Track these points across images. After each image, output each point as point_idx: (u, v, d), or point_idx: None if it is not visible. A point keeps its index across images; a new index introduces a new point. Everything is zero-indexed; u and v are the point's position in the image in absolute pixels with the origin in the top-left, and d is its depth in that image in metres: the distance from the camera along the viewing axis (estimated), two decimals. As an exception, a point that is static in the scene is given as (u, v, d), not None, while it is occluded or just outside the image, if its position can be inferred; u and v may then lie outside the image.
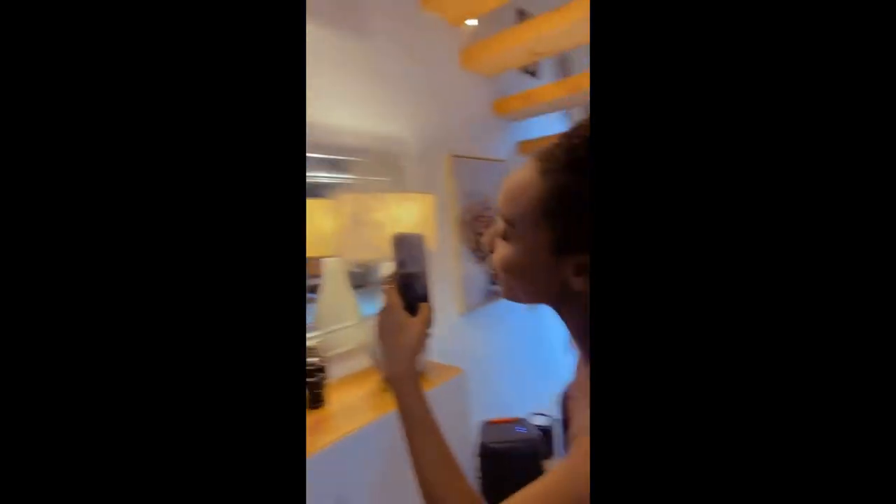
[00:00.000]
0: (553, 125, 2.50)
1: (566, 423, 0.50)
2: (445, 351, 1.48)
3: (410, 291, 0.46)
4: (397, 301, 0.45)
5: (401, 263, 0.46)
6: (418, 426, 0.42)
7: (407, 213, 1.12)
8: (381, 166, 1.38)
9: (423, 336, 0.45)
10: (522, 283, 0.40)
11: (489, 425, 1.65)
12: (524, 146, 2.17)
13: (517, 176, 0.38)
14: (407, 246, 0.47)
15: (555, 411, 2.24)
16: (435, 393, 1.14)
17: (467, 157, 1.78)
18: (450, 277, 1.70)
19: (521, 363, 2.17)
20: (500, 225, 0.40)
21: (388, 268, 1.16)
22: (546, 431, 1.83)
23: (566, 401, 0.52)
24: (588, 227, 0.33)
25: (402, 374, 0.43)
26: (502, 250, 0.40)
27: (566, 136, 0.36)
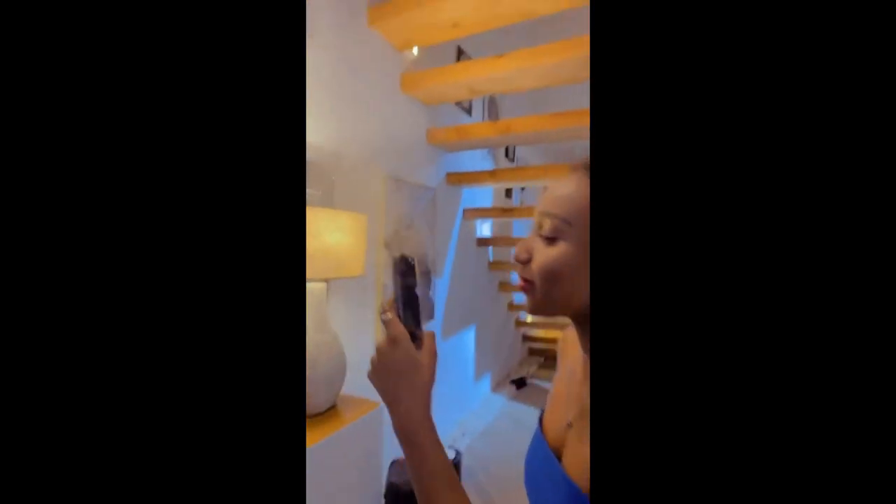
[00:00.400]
0: (479, 162, 2.62)
1: (557, 451, 0.43)
2: (359, 382, 1.37)
3: (410, 320, 0.40)
4: (404, 332, 0.38)
5: (407, 287, 0.41)
6: (443, 482, 0.35)
7: (339, 230, 1.03)
8: (312, 178, 1.27)
9: (434, 372, 0.39)
10: (568, 285, 0.38)
11: (398, 464, 1.55)
12: (452, 177, 2.22)
13: (569, 181, 0.39)
14: (409, 268, 0.41)
15: (459, 443, 2.22)
16: (351, 429, 1.04)
17: (402, 180, 1.75)
18: (371, 304, 1.61)
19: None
20: (546, 228, 0.39)
21: (317, 287, 1.04)
22: (454, 465, 1.79)
23: (550, 424, 0.47)
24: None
25: (422, 421, 0.37)
26: (548, 253, 0.38)
27: None
